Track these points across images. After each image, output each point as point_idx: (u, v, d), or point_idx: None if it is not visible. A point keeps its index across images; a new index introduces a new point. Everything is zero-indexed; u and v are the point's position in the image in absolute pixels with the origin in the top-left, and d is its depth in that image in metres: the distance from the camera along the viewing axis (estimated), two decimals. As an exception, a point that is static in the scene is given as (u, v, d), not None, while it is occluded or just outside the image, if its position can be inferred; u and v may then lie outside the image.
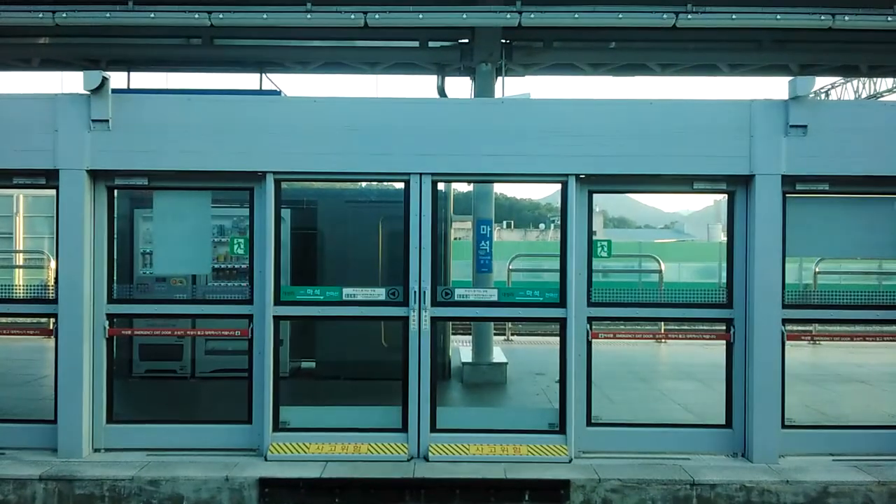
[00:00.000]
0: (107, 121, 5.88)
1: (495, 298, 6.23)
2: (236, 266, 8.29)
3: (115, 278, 6.24)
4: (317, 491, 5.54)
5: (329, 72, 10.19)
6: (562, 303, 6.05)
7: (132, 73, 9.65)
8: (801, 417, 6.49)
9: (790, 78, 6.00)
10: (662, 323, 8.05)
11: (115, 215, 6.26)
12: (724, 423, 6.18)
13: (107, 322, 6.07)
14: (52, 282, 6.16)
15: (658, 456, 6.01)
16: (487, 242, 7.99)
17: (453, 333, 10.12)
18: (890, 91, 16.19)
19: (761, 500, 5.52)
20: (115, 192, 6.21)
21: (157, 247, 6.51)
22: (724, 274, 6.38)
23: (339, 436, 6.04)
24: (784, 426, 6.04)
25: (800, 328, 6.57)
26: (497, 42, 8.57)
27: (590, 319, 6.10)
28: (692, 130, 5.99)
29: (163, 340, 7.92)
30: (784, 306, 6.02)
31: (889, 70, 11.45)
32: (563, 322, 6.06)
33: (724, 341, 6.20)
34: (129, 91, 7.44)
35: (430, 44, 9.01)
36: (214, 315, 6.35)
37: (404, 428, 6.02)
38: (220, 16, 7.66)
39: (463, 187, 9.18)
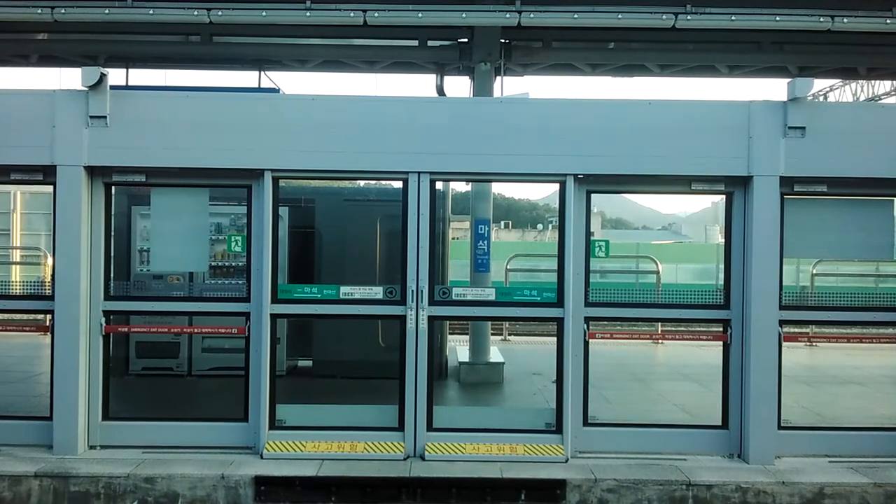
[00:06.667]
0: (104, 117, 5.87)
1: (493, 298, 6.23)
2: (234, 264, 8.28)
3: (111, 275, 6.23)
4: (313, 489, 5.54)
5: (328, 70, 10.18)
6: (559, 303, 6.06)
7: (131, 70, 9.63)
8: (797, 419, 6.51)
9: (789, 79, 6.00)
10: (659, 324, 8.04)
11: (113, 212, 6.25)
12: (720, 423, 6.19)
13: (103, 319, 6.06)
14: (48, 278, 6.15)
15: (654, 456, 6.01)
16: (485, 242, 7.98)
17: (450, 333, 10.12)
18: (888, 94, 16.20)
19: (757, 501, 5.53)
20: (113, 188, 6.20)
21: (154, 244, 6.50)
22: (722, 275, 6.38)
23: (335, 434, 6.04)
24: (780, 427, 6.06)
25: (797, 330, 6.57)
26: (496, 41, 8.57)
27: (587, 319, 6.10)
28: (691, 131, 5.99)
29: (159, 338, 7.92)
30: (781, 307, 6.03)
31: (888, 72, 11.45)
32: (560, 322, 6.06)
33: (720, 342, 6.21)
34: (127, 88, 7.42)
35: (430, 43, 9.00)
36: (211, 313, 6.35)
37: (401, 427, 6.02)
38: (220, 13, 7.64)
39: (461, 187, 9.18)
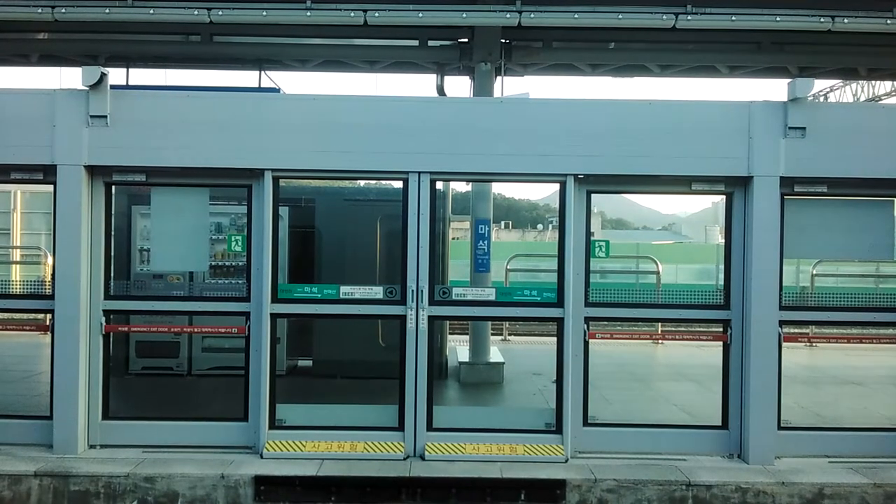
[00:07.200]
0: (105, 116, 5.88)
1: (493, 298, 6.24)
2: (234, 264, 8.28)
3: (111, 275, 6.23)
4: (312, 489, 5.54)
5: (328, 70, 10.18)
6: (559, 303, 6.06)
7: (131, 70, 9.63)
8: (797, 419, 6.51)
9: (789, 80, 6.00)
10: (659, 324, 8.04)
11: (113, 212, 6.25)
12: (720, 424, 6.19)
13: (103, 318, 6.06)
14: (48, 278, 6.15)
15: (654, 456, 6.01)
16: (485, 242, 7.97)
17: (450, 333, 10.11)
18: (888, 94, 16.20)
19: (756, 502, 5.53)
20: (113, 188, 6.20)
21: (154, 244, 6.50)
22: (722, 275, 6.39)
23: (335, 434, 6.04)
24: (780, 428, 6.07)
25: (796, 330, 6.57)
26: (496, 42, 8.57)
27: (587, 319, 6.10)
28: (691, 131, 5.99)
29: (159, 337, 7.91)
30: (781, 308, 6.03)
31: (888, 73, 11.44)
32: (560, 322, 6.06)
33: (720, 342, 6.21)
34: (127, 87, 7.42)
35: (430, 43, 9.00)
36: (211, 312, 6.34)
37: (401, 427, 6.02)
38: (220, 13, 7.65)
39: (461, 187, 9.18)
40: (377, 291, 6.12)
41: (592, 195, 6.17)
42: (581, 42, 9.22)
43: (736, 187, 6.12)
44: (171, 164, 5.97)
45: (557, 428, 6.05)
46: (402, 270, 6.05)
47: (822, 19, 7.60)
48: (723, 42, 8.94)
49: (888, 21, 7.61)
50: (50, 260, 6.63)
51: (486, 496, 5.54)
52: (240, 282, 6.55)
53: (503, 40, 8.69)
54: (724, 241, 6.39)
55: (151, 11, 7.64)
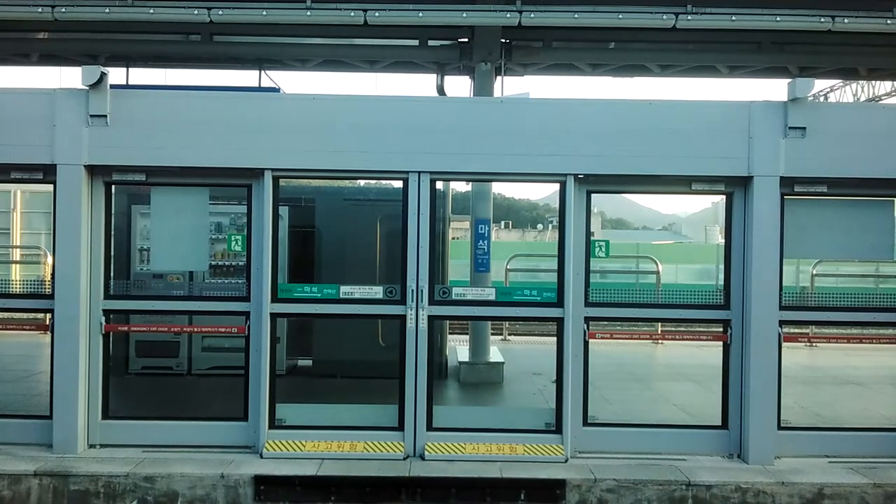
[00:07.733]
0: (105, 116, 5.88)
1: (493, 298, 6.23)
2: (234, 263, 8.28)
3: (111, 274, 6.23)
4: (312, 489, 5.54)
5: (328, 70, 10.19)
6: (559, 303, 6.06)
7: (131, 69, 9.63)
8: (797, 419, 6.51)
9: (789, 80, 6.00)
10: (659, 324, 8.04)
11: (113, 211, 6.25)
12: (720, 424, 6.19)
13: (103, 318, 6.06)
14: (48, 277, 6.15)
15: (654, 456, 6.01)
16: (485, 242, 7.97)
17: (450, 333, 10.11)
18: (888, 94, 16.20)
19: (756, 502, 5.53)
20: (113, 187, 6.19)
21: (154, 243, 6.50)
22: (722, 275, 6.39)
23: (335, 434, 6.04)
24: (780, 428, 6.07)
25: (796, 330, 6.57)
26: (497, 41, 8.57)
27: (587, 319, 6.10)
28: (691, 131, 5.99)
29: (159, 337, 7.91)
30: (781, 308, 6.03)
31: (888, 73, 11.44)
32: (560, 322, 6.06)
33: (720, 342, 6.21)
34: (127, 87, 7.42)
35: (430, 42, 9.01)
36: (211, 312, 6.34)
37: (401, 426, 6.02)
38: (220, 12, 7.65)
39: (461, 187, 9.18)
40: (377, 291, 6.12)
41: (592, 195, 6.16)
42: (581, 42, 9.23)
43: (736, 187, 6.12)
44: (171, 163, 5.97)
45: (557, 428, 6.05)
46: (402, 270, 6.04)
47: (822, 19, 7.60)
48: (723, 42, 8.94)
49: (888, 21, 7.62)
50: (50, 259, 6.63)
51: (486, 496, 5.54)
52: (240, 281, 6.54)
53: (503, 40, 8.70)
54: (724, 241, 6.39)
55: (151, 11, 7.65)
